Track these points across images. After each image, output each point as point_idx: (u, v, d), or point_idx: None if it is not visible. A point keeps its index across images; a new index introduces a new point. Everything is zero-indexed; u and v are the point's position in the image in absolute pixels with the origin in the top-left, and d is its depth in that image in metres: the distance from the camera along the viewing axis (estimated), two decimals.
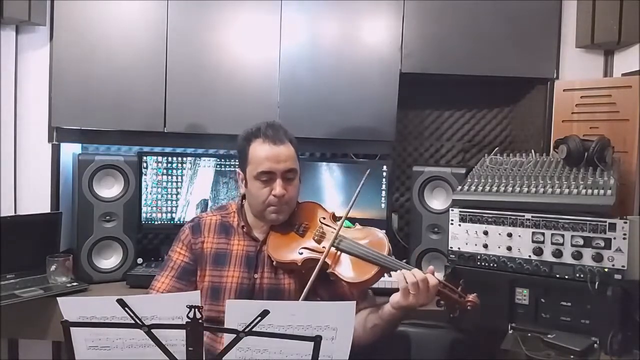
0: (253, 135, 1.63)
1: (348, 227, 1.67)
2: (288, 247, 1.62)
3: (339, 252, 1.58)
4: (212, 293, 1.61)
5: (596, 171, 1.74)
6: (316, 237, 1.63)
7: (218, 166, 2.40)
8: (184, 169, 2.38)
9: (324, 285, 1.62)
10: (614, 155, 1.84)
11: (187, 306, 1.11)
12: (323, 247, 1.58)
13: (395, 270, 1.51)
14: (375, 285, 1.60)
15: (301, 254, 1.59)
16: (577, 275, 1.63)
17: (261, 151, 1.60)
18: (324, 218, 1.68)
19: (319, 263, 1.52)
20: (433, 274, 1.49)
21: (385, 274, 2.03)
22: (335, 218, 1.69)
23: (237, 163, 1.72)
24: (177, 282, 1.64)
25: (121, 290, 2.09)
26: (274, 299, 1.59)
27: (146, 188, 2.35)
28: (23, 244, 2.12)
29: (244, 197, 1.72)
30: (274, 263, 1.62)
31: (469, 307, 1.49)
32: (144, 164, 2.34)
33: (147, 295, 1.57)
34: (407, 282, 1.44)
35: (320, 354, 1.12)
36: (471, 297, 1.51)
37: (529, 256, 1.71)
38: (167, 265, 1.67)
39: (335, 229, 1.61)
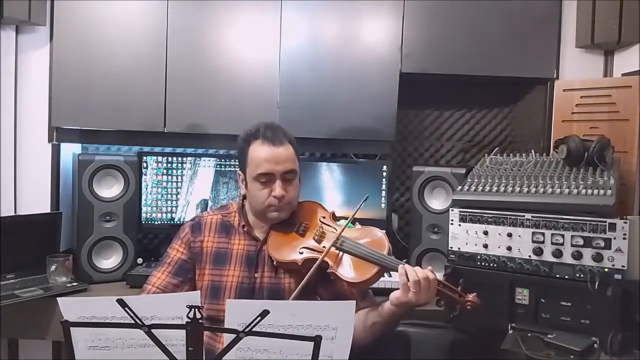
0: (252, 136, 1.63)
1: (348, 227, 1.67)
2: (288, 246, 1.62)
3: (339, 252, 1.58)
4: (212, 292, 1.61)
5: (596, 171, 1.74)
6: (316, 237, 1.63)
7: (218, 166, 2.40)
8: (184, 169, 2.38)
9: (323, 284, 1.63)
10: (614, 155, 1.84)
11: (187, 306, 1.10)
12: (323, 246, 1.58)
13: (396, 270, 1.51)
14: (375, 285, 1.60)
15: (301, 253, 1.59)
16: (577, 275, 1.63)
17: (260, 152, 1.60)
18: (324, 217, 1.68)
19: (317, 262, 1.52)
20: (432, 273, 1.48)
21: (385, 274, 2.03)
22: (335, 217, 1.69)
23: (237, 163, 1.73)
24: (173, 278, 1.64)
25: (121, 290, 2.09)
26: (274, 298, 1.60)
27: (146, 188, 2.35)
28: (23, 244, 2.12)
29: (244, 196, 1.72)
30: (275, 263, 1.62)
31: (468, 307, 1.50)
32: (144, 164, 2.34)
33: (147, 295, 1.58)
34: (408, 279, 1.44)
35: (320, 354, 1.12)
36: (471, 296, 1.51)
37: (529, 256, 1.71)
38: (164, 261, 1.68)
39: (334, 228, 1.61)
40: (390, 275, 1.96)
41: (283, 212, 1.64)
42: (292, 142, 1.65)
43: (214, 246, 1.66)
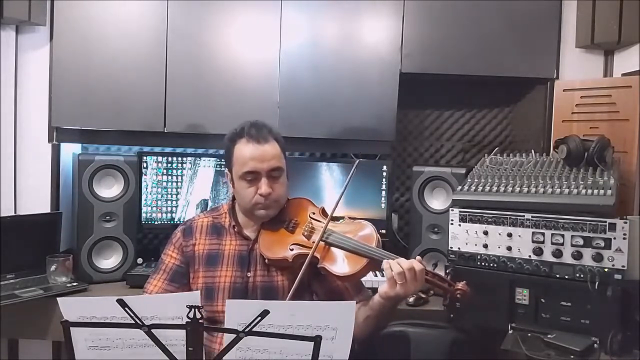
0: (237, 135, 1.63)
1: (337, 222, 1.67)
2: (279, 244, 1.63)
3: (328, 246, 1.58)
4: (206, 293, 1.61)
5: (596, 171, 1.74)
6: (306, 233, 1.63)
7: (218, 166, 2.40)
8: (184, 169, 2.38)
9: (318, 280, 1.63)
10: (614, 155, 1.84)
11: (187, 306, 1.11)
12: (313, 242, 1.58)
13: None
14: (374, 285, 1.60)
15: (292, 250, 1.60)
16: (577, 275, 1.63)
17: (245, 151, 1.59)
18: (314, 213, 1.68)
19: (308, 258, 1.52)
20: (420, 262, 1.47)
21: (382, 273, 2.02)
22: (325, 213, 1.68)
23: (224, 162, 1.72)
24: (169, 284, 1.64)
25: (121, 290, 2.09)
26: (268, 296, 1.60)
27: (146, 188, 2.35)
28: (23, 244, 2.12)
29: (234, 197, 1.72)
30: (266, 261, 1.62)
31: (458, 295, 1.49)
32: (144, 164, 2.34)
33: (147, 296, 1.58)
34: (392, 272, 1.44)
35: (320, 354, 1.12)
36: (460, 285, 1.50)
37: (529, 256, 1.71)
38: (159, 268, 1.68)
39: (324, 223, 1.61)
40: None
41: (270, 210, 1.64)
42: (279, 140, 1.65)
43: (206, 248, 1.66)
